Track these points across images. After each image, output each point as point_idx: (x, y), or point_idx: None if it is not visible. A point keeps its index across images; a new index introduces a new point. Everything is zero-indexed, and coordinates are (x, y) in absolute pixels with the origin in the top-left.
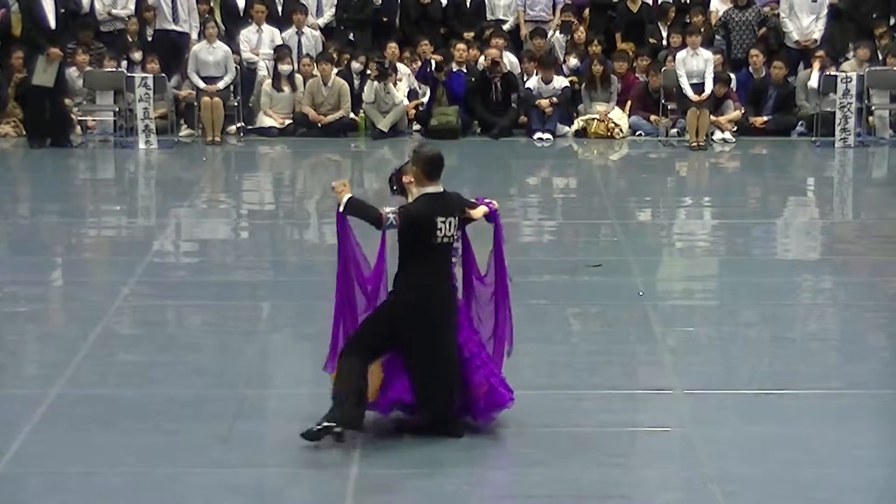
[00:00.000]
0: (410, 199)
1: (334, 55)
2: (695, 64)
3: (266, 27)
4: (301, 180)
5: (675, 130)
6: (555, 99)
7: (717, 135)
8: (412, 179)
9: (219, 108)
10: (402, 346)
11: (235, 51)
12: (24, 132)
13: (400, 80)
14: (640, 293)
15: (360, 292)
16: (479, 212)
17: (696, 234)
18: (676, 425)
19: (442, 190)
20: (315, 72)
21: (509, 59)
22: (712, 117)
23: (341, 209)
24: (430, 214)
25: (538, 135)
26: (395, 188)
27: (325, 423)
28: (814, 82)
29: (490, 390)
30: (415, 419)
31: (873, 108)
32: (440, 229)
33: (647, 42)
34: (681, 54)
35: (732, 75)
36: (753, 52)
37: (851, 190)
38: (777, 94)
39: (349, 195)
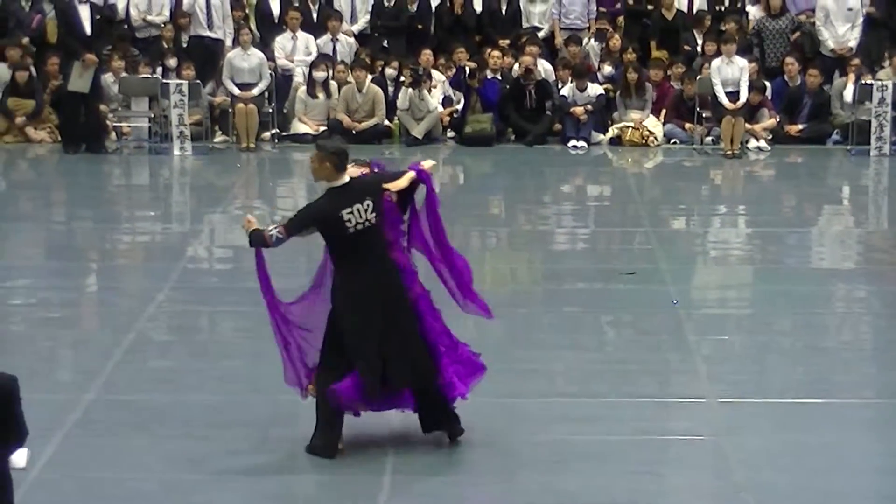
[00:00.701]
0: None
1: (368, 61)
2: (730, 72)
3: (301, 34)
4: None
5: (709, 138)
6: (589, 106)
7: (752, 143)
8: (314, 170)
9: (253, 114)
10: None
11: (270, 57)
12: (60, 138)
13: (434, 87)
14: (675, 301)
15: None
16: (404, 180)
17: (731, 242)
18: (709, 434)
19: (347, 180)
20: (350, 78)
21: (543, 67)
22: (747, 125)
23: (249, 244)
24: (331, 210)
25: (573, 142)
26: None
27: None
28: (848, 94)
29: (447, 384)
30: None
31: None
32: (348, 220)
33: (681, 50)
34: (716, 62)
35: (767, 83)
36: (789, 60)
37: (887, 199)
38: (812, 102)
39: (253, 229)
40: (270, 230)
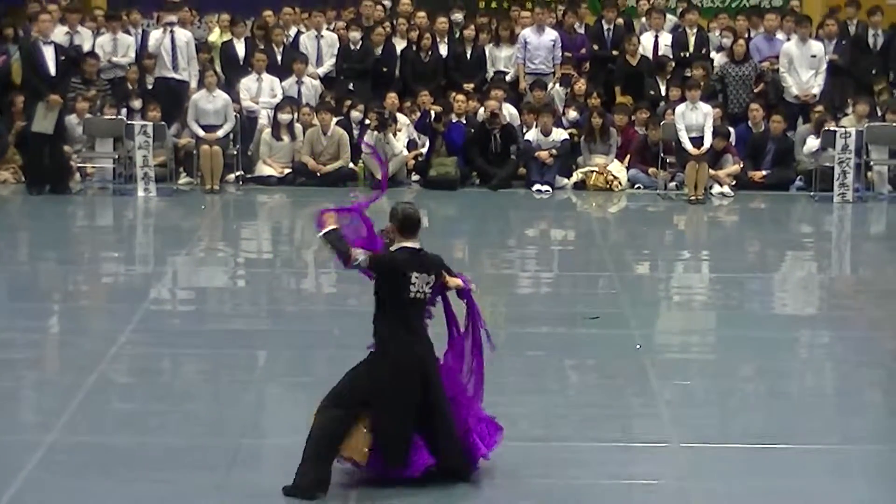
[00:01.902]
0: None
1: (333, 103)
2: (694, 118)
3: (266, 76)
4: (299, 229)
5: (673, 184)
6: (554, 151)
7: (716, 188)
8: (391, 234)
9: (218, 156)
10: (394, 405)
11: (235, 99)
12: (24, 178)
13: (399, 130)
14: (638, 346)
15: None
16: (454, 281)
17: (694, 287)
18: (673, 478)
19: (419, 248)
20: (315, 121)
21: (509, 111)
22: (711, 171)
23: (322, 232)
24: (404, 267)
25: (537, 186)
26: (386, 240)
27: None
28: (812, 144)
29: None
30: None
31: (872, 163)
32: (413, 283)
33: (646, 95)
34: (680, 108)
35: (731, 129)
36: (753, 106)
37: (850, 245)
38: (776, 148)
39: (334, 226)
40: (358, 252)
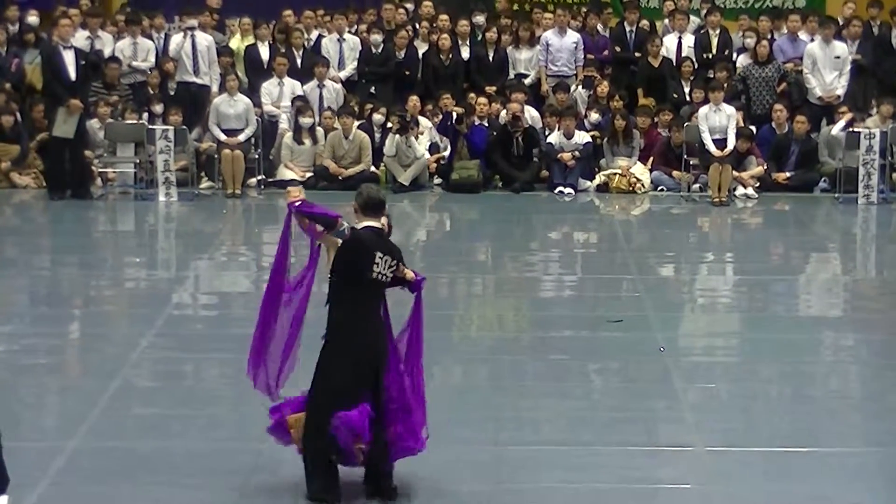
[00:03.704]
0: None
1: (356, 108)
2: (717, 119)
3: (288, 80)
4: None
5: (697, 186)
6: (577, 153)
7: (740, 190)
8: (354, 213)
9: (239, 160)
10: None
11: (257, 103)
12: (45, 183)
13: (422, 133)
14: (662, 349)
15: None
16: (409, 274)
17: (718, 290)
18: (697, 482)
19: (382, 228)
20: (336, 125)
21: (530, 114)
22: (735, 173)
23: (297, 205)
24: (370, 245)
25: (560, 189)
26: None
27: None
28: (836, 130)
29: (398, 437)
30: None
31: None
32: (377, 263)
33: (669, 97)
34: (703, 110)
35: (754, 129)
36: (777, 107)
37: (874, 247)
38: (800, 149)
39: (303, 198)
40: (343, 223)
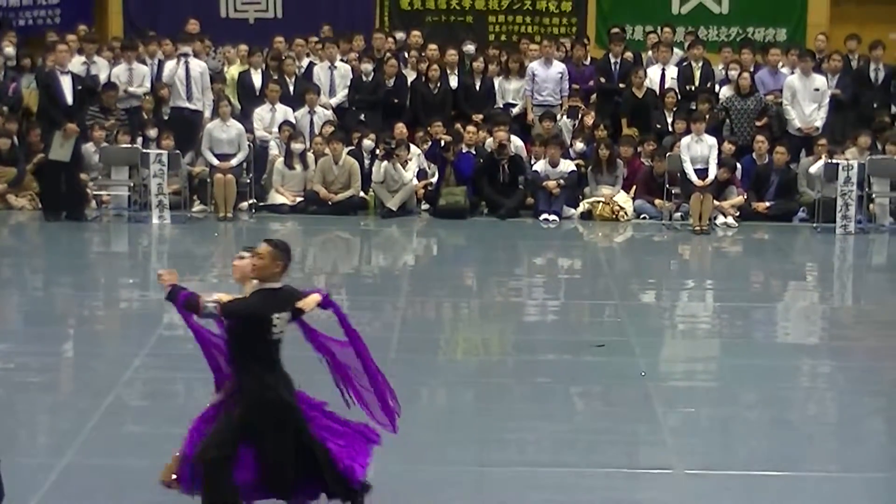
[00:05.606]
0: (244, 293)
1: (343, 133)
2: (699, 150)
3: (279, 106)
4: (311, 257)
5: (678, 214)
6: (562, 181)
7: (720, 219)
8: (261, 266)
9: (231, 184)
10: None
11: (249, 129)
12: (40, 205)
13: (409, 159)
14: (643, 374)
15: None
16: (311, 301)
17: (699, 316)
18: None
19: (280, 286)
20: (326, 150)
21: (515, 143)
22: (715, 202)
23: (165, 297)
24: (265, 312)
25: (545, 216)
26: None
27: None
28: (815, 169)
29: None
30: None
31: (874, 195)
32: (275, 325)
33: (652, 127)
34: (685, 140)
35: (738, 164)
36: (759, 138)
37: (851, 276)
38: (779, 180)
39: (173, 284)
40: (207, 301)
